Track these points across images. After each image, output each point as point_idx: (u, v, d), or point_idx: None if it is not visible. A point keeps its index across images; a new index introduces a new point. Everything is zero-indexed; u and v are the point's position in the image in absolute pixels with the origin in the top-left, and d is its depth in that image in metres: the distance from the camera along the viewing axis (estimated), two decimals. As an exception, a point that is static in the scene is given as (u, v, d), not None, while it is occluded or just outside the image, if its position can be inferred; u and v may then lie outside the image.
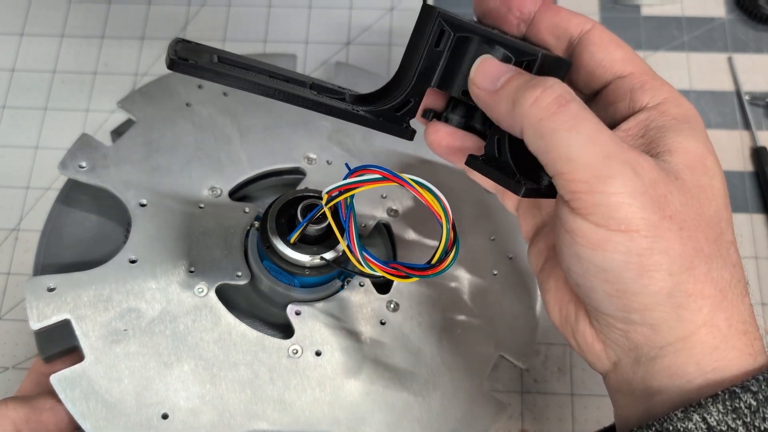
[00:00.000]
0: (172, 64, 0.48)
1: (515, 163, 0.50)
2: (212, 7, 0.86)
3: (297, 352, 0.60)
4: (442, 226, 0.51)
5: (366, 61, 0.84)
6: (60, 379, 0.56)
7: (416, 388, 0.60)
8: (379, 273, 0.54)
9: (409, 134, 0.53)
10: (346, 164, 0.54)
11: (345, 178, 0.53)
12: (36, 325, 0.58)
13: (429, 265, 0.53)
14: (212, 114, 0.69)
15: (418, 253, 0.66)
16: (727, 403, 0.45)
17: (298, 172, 0.68)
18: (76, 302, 0.59)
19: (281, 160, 0.68)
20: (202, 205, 0.64)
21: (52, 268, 0.63)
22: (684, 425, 0.45)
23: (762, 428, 0.44)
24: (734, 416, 0.44)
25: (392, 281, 0.64)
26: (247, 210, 0.65)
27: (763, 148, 0.80)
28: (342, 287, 0.63)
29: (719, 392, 0.45)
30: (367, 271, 0.54)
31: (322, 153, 0.69)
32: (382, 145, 0.70)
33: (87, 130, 0.80)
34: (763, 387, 0.45)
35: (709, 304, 0.46)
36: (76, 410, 0.55)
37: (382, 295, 0.63)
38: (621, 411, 0.51)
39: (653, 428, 0.46)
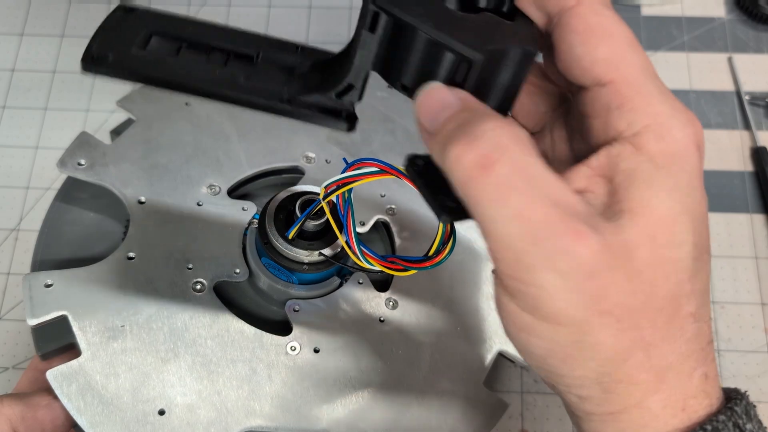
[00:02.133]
0: (84, 65, 0.45)
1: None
2: (212, 7, 0.87)
3: (295, 349, 0.60)
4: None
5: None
6: (56, 374, 0.56)
7: (415, 386, 0.60)
8: (378, 267, 0.54)
9: (345, 125, 0.47)
10: (344, 158, 0.54)
11: (343, 172, 0.53)
12: (33, 321, 0.58)
13: (426, 258, 0.53)
14: (211, 113, 0.69)
15: (417, 252, 0.65)
16: None
17: (297, 171, 0.68)
18: (73, 298, 0.59)
19: (280, 158, 0.68)
20: (200, 203, 0.64)
21: (50, 264, 0.62)
22: None
23: None
24: None
25: (391, 279, 0.64)
26: (245, 208, 0.65)
27: (763, 148, 0.80)
28: (341, 284, 0.63)
29: None
30: (366, 266, 0.54)
31: (320, 152, 0.69)
32: (381, 144, 0.70)
33: (87, 130, 0.79)
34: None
35: (642, 389, 0.42)
36: (72, 406, 0.55)
37: (381, 293, 0.63)
38: None
39: None
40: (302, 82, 0.47)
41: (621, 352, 0.41)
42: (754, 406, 0.46)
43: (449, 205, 0.42)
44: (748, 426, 0.43)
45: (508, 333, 0.43)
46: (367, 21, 0.44)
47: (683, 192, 0.41)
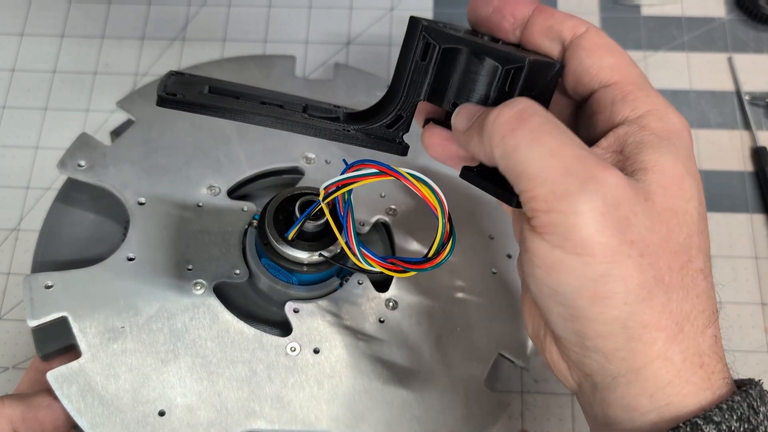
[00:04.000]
0: (160, 101, 0.48)
1: None
2: (212, 7, 0.87)
3: (295, 350, 0.60)
4: (437, 218, 0.51)
5: (366, 62, 0.84)
6: (57, 375, 0.56)
7: (415, 386, 0.60)
8: (377, 268, 0.54)
9: (401, 150, 0.53)
10: (344, 159, 0.54)
11: (342, 173, 0.53)
12: (33, 322, 0.58)
13: (426, 259, 0.53)
14: (211, 114, 0.69)
15: (417, 253, 0.66)
16: (726, 409, 0.44)
17: (297, 172, 0.68)
18: (73, 299, 0.59)
19: (280, 159, 0.68)
20: (200, 204, 0.64)
21: (50, 265, 0.63)
22: None
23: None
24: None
25: (391, 279, 0.64)
26: (245, 208, 0.65)
27: (763, 148, 0.80)
28: (340, 285, 0.63)
29: (680, 425, 0.43)
30: (365, 266, 0.54)
31: (320, 152, 0.69)
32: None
33: (87, 130, 0.79)
34: (726, 417, 0.44)
35: (663, 337, 0.44)
36: (72, 407, 0.55)
37: (380, 294, 0.63)
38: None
39: None
40: (350, 121, 0.53)
41: (645, 287, 0.43)
42: None
43: (515, 195, 0.46)
44: (762, 408, 0.45)
45: (537, 280, 0.45)
46: (420, 52, 0.50)
47: (685, 159, 0.47)
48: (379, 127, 0.52)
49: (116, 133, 0.70)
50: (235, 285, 0.63)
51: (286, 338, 0.60)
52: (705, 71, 0.85)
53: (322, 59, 0.84)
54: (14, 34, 0.85)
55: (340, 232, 0.55)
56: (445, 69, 0.50)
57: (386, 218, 0.66)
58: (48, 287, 0.59)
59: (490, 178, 0.49)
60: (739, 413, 0.44)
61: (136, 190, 0.64)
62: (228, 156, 0.67)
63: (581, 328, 0.45)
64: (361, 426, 0.58)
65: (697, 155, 0.80)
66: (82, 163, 0.65)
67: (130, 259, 0.61)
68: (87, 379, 0.56)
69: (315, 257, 0.60)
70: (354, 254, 0.54)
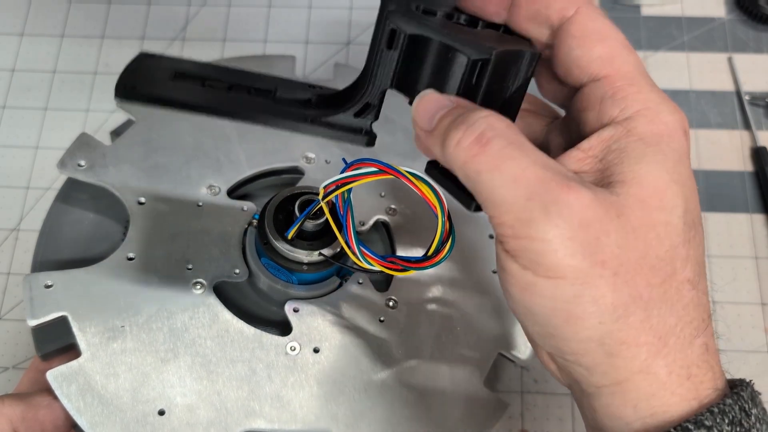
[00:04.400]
0: (117, 93, 0.49)
1: None
2: (212, 7, 0.87)
3: (295, 349, 0.60)
4: (437, 217, 0.51)
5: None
6: (56, 375, 0.56)
7: (415, 386, 0.60)
8: (377, 267, 0.54)
9: (365, 141, 0.52)
10: (343, 159, 0.54)
11: (342, 172, 0.53)
12: (33, 321, 0.58)
13: (426, 257, 0.53)
14: (211, 114, 0.69)
15: (417, 251, 0.66)
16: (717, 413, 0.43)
17: (297, 172, 0.68)
18: (73, 299, 0.59)
19: (280, 159, 0.68)
20: (200, 204, 0.64)
21: (50, 265, 0.63)
22: None
23: None
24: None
25: (391, 279, 0.64)
26: (245, 208, 0.65)
27: (763, 148, 0.80)
28: (340, 284, 0.63)
29: (671, 430, 0.43)
30: (365, 266, 0.54)
31: (320, 152, 0.69)
32: (380, 145, 0.70)
33: (87, 130, 0.79)
34: (717, 420, 0.43)
35: (645, 352, 0.43)
36: (72, 406, 0.55)
37: (380, 293, 0.63)
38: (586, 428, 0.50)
39: None
40: (321, 106, 0.51)
41: (620, 306, 0.42)
42: (759, 393, 0.46)
43: (474, 198, 0.45)
44: (754, 411, 0.44)
45: (512, 298, 0.45)
46: (385, 39, 0.47)
47: (672, 166, 0.44)
48: (346, 116, 0.50)
49: (116, 133, 0.70)
50: (235, 284, 0.63)
51: (285, 337, 0.60)
52: (705, 71, 0.85)
53: (322, 59, 0.84)
54: (14, 34, 0.85)
55: (340, 232, 0.55)
56: (415, 57, 0.48)
57: (386, 217, 0.66)
58: (48, 287, 0.59)
59: (453, 179, 0.48)
60: (731, 416, 0.43)
61: (136, 189, 0.64)
62: (228, 156, 0.67)
63: (558, 345, 0.45)
64: (360, 425, 0.58)
65: (697, 155, 0.80)
66: (82, 162, 0.65)
67: (130, 259, 0.61)
68: (87, 379, 0.56)
69: (315, 256, 0.60)
70: (354, 253, 0.54)
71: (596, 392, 0.45)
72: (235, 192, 0.67)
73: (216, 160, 0.67)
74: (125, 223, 0.63)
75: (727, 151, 0.81)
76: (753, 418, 0.44)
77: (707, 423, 0.43)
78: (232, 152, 0.67)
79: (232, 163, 0.67)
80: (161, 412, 0.56)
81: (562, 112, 0.53)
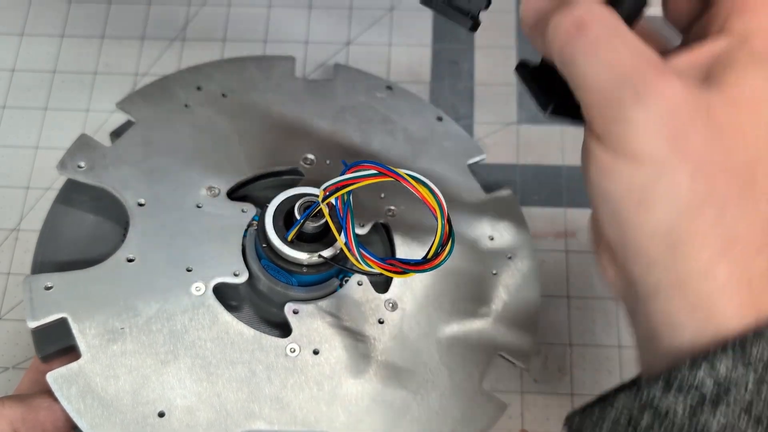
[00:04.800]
0: None
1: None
2: (212, 7, 0.87)
3: (294, 351, 0.60)
4: (436, 219, 0.51)
5: (366, 62, 0.84)
6: (56, 377, 0.56)
7: (415, 387, 0.60)
8: (376, 269, 0.54)
9: (470, 25, 0.55)
10: (343, 161, 0.54)
11: (341, 174, 0.53)
12: (33, 323, 0.58)
13: (425, 260, 0.53)
14: (211, 115, 0.69)
15: (417, 254, 0.66)
16: (738, 352, 0.41)
17: (297, 173, 0.68)
18: (73, 300, 0.59)
19: (279, 160, 0.68)
20: (200, 205, 0.64)
21: (50, 266, 0.63)
22: (696, 377, 0.42)
23: None
24: (744, 365, 0.41)
25: (391, 280, 0.64)
26: (245, 209, 0.65)
27: (764, 148, 0.79)
28: (340, 286, 0.63)
29: (727, 341, 0.41)
30: (365, 268, 0.54)
31: (320, 153, 0.69)
32: (380, 145, 0.70)
33: (87, 130, 0.80)
34: None
35: (709, 252, 0.42)
36: (72, 408, 0.55)
37: (380, 294, 0.63)
38: (636, 344, 0.48)
39: (660, 379, 0.43)
40: None
41: (695, 199, 0.42)
42: None
43: (552, 101, 0.48)
44: None
45: (590, 181, 0.45)
46: None
47: None
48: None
49: (116, 134, 0.70)
50: (235, 286, 0.63)
51: (285, 339, 0.60)
52: (705, 71, 0.85)
53: (322, 59, 0.84)
54: (14, 34, 0.85)
55: (340, 233, 0.55)
56: None
57: (386, 219, 0.66)
58: (48, 288, 0.59)
59: (538, 80, 0.49)
60: None
61: (136, 191, 0.64)
62: (227, 157, 0.67)
63: (625, 232, 0.44)
64: (360, 427, 0.58)
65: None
66: (82, 164, 0.65)
67: (130, 260, 0.61)
68: (87, 380, 0.56)
69: (314, 258, 0.60)
70: (353, 255, 0.54)
71: (653, 294, 0.44)
72: (235, 193, 0.67)
73: (216, 161, 0.67)
74: (125, 224, 0.63)
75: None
76: None
77: (765, 333, 0.41)
78: (231, 153, 0.67)
79: (232, 165, 0.67)
80: (161, 414, 0.56)
81: (675, 43, 0.51)
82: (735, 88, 0.43)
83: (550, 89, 0.48)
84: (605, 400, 0.45)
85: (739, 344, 0.41)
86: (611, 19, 0.43)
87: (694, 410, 0.41)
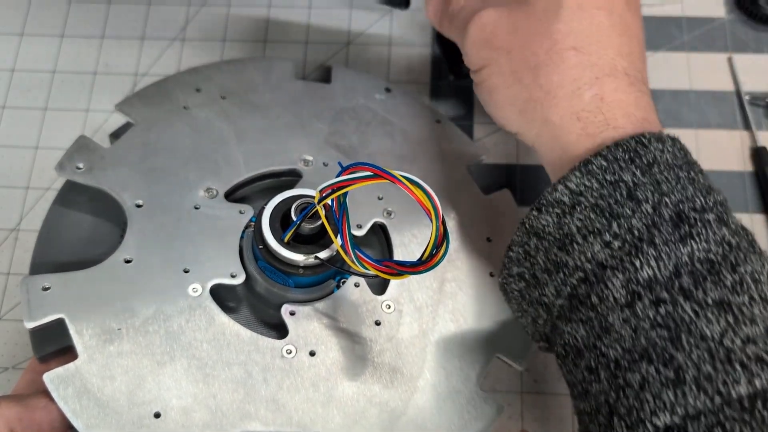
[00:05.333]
0: None
1: None
2: (212, 7, 0.87)
3: (291, 352, 0.60)
4: (431, 221, 0.51)
5: (366, 62, 0.84)
6: (53, 377, 0.56)
7: (411, 389, 0.60)
8: (372, 271, 0.54)
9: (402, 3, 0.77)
10: (339, 162, 0.54)
11: (337, 176, 0.53)
12: (30, 324, 0.58)
13: (420, 262, 0.53)
14: (209, 117, 0.69)
15: (415, 255, 0.66)
16: (583, 169, 0.54)
17: (295, 174, 0.68)
18: (70, 301, 0.59)
19: (277, 161, 0.68)
20: (197, 206, 0.64)
21: (48, 267, 0.63)
22: (554, 196, 0.55)
23: (611, 180, 0.53)
24: (589, 177, 0.54)
25: (389, 282, 0.64)
26: (242, 211, 0.65)
27: (763, 148, 0.80)
28: (337, 287, 0.63)
29: (576, 164, 0.55)
30: (360, 269, 0.54)
31: (318, 155, 0.69)
32: (378, 147, 0.70)
33: (87, 130, 0.80)
34: (612, 149, 0.54)
35: (540, 105, 0.58)
36: (68, 408, 0.56)
37: (377, 296, 0.63)
38: None
39: (535, 207, 0.56)
40: None
41: (516, 71, 0.60)
42: (667, 150, 0.56)
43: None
44: (656, 146, 0.55)
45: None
46: None
47: None
48: None
49: (115, 136, 0.70)
50: (232, 287, 0.63)
51: (282, 341, 0.60)
52: (705, 71, 0.85)
53: (321, 59, 0.84)
54: (14, 34, 0.85)
55: (336, 235, 0.55)
56: None
57: (383, 220, 0.66)
58: (45, 289, 0.59)
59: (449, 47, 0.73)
60: (624, 146, 0.54)
61: (134, 192, 0.64)
62: (226, 158, 0.67)
63: (493, 115, 0.64)
64: (355, 429, 0.58)
65: (696, 155, 0.79)
66: (81, 165, 0.65)
67: (128, 261, 0.61)
68: (83, 381, 0.57)
69: (311, 260, 0.60)
70: (349, 257, 0.54)
71: (534, 147, 0.61)
72: (232, 195, 0.67)
73: (214, 162, 0.67)
74: (123, 225, 0.64)
75: (727, 151, 0.81)
76: (653, 150, 0.54)
77: (603, 153, 0.54)
78: (230, 155, 0.67)
79: (230, 166, 0.67)
80: (157, 415, 0.56)
81: None
82: (528, 7, 0.60)
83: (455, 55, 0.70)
84: (510, 249, 0.59)
85: (583, 163, 0.55)
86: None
87: (559, 219, 0.55)
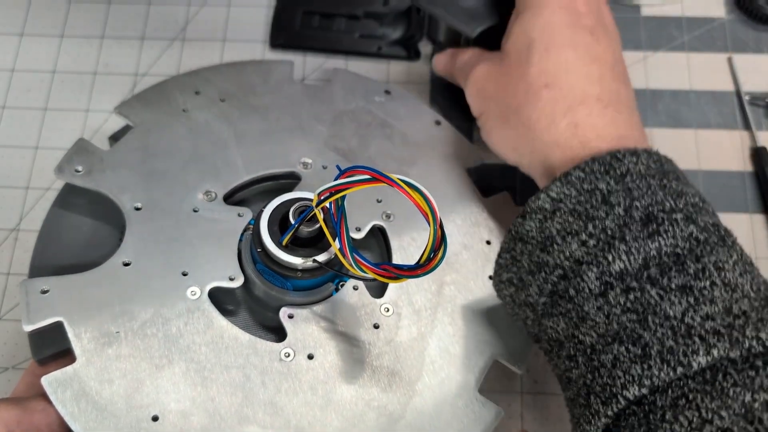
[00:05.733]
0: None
1: None
2: (212, 7, 0.87)
3: (289, 356, 0.60)
4: (429, 224, 0.51)
5: (366, 63, 0.84)
6: (51, 380, 0.56)
7: (409, 393, 0.60)
8: (370, 275, 0.54)
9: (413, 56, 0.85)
10: (337, 165, 0.54)
11: (335, 180, 0.53)
12: (29, 327, 0.58)
13: (418, 265, 0.53)
14: (208, 119, 0.69)
15: (414, 258, 0.65)
16: (563, 179, 0.59)
17: (294, 177, 0.68)
18: (69, 304, 0.59)
19: (277, 164, 0.68)
20: (196, 209, 0.64)
21: (47, 270, 0.63)
22: (537, 203, 0.59)
23: (588, 188, 0.58)
24: (568, 186, 0.58)
25: (387, 285, 0.64)
26: (241, 214, 0.65)
27: (763, 148, 0.80)
28: (336, 290, 0.63)
29: (557, 174, 0.60)
30: (358, 273, 0.54)
31: (317, 157, 0.69)
32: (378, 150, 0.70)
33: (87, 130, 0.80)
34: (589, 163, 0.59)
35: (525, 140, 0.65)
36: (66, 411, 0.56)
37: (376, 299, 0.63)
38: None
39: (520, 214, 0.60)
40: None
41: (503, 115, 0.67)
42: (643, 164, 0.59)
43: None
44: (630, 159, 0.59)
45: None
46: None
47: (520, 19, 0.68)
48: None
49: (115, 138, 0.70)
50: (231, 290, 0.63)
51: (280, 344, 0.60)
52: (705, 71, 0.85)
53: (321, 60, 0.84)
54: (14, 34, 0.85)
55: (334, 239, 0.55)
56: None
57: (382, 223, 0.66)
58: (44, 292, 0.59)
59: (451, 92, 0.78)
60: (600, 160, 0.59)
61: (133, 195, 0.64)
62: (225, 161, 0.67)
63: (499, 151, 0.69)
64: (354, 432, 0.59)
65: (696, 155, 0.80)
66: (80, 168, 0.65)
67: (126, 264, 0.61)
68: (81, 384, 0.57)
69: (309, 263, 0.60)
70: (347, 260, 0.54)
71: (529, 174, 0.67)
72: (231, 197, 0.67)
73: (213, 165, 0.67)
74: (122, 228, 0.64)
75: (726, 151, 0.81)
76: (627, 163, 0.59)
77: (581, 165, 0.59)
78: (229, 157, 0.68)
79: (229, 169, 0.67)
80: (155, 418, 0.56)
81: None
82: (508, 42, 0.68)
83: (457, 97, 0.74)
84: (499, 255, 0.62)
85: (563, 175, 0.59)
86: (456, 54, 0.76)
87: (541, 224, 0.59)
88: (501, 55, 0.68)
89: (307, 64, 0.84)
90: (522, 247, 0.60)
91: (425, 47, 0.85)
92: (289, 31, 0.84)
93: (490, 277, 0.66)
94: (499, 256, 0.62)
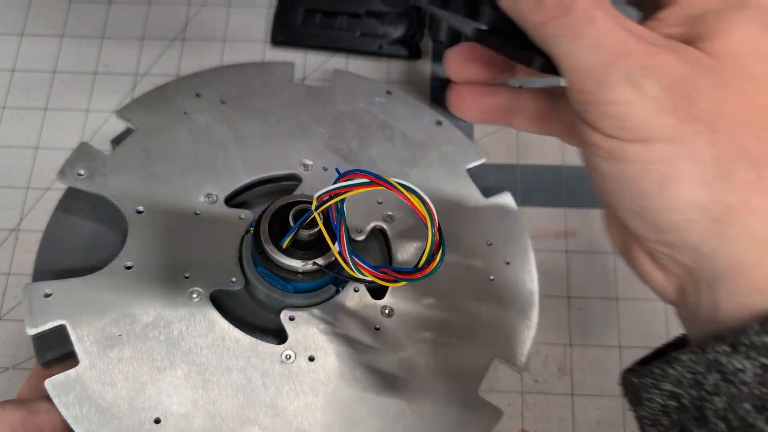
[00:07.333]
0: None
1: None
2: (212, 7, 0.87)
3: (290, 358, 0.60)
4: (427, 228, 0.51)
5: (366, 64, 0.84)
6: (54, 383, 0.57)
7: (410, 394, 0.61)
8: (369, 277, 0.54)
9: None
10: (336, 169, 0.54)
11: (334, 183, 0.53)
12: (32, 330, 0.58)
13: (416, 269, 0.53)
14: (209, 122, 0.70)
15: (415, 260, 0.66)
16: None
17: (295, 179, 0.68)
18: (71, 308, 0.59)
19: (277, 166, 0.68)
20: (197, 212, 0.65)
21: (50, 274, 0.63)
22: (760, 341, 0.38)
23: None
24: None
25: (387, 287, 0.64)
26: (242, 216, 0.65)
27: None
28: (336, 292, 0.64)
29: None
30: (358, 275, 0.54)
31: (318, 159, 0.69)
32: (379, 151, 0.70)
33: (87, 130, 0.80)
34: None
35: (760, 219, 0.39)
36: (69, 414, 0.56)
37: (376, 301, 0.64)
38: (683, 311, 0.45)
39: (728, 340, 0.39)
40: None
41: (723, 162, 0.39)
42: None
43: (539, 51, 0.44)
44: None
45: (599, 172, 0.43)
46: None
47: (758, 23, 0.42)
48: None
49: (116, 142, 0.70)
50: (232, 293, 0.63)
51: (281, 346, 0.61)
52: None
53: (322, 60, 0.84)
54: (14, 34, 0.85)
55: (334, 242, 0.55)
56: None
57: (383, 225, 0.67)
58: (47, 296, 0.59)
59: (510, 39, 0.47)
60: None
61: (135, 198, 0.65)
62: (226, 163, 0.67)
63: (655, 220, 0.41)
64: (355, 434, 0.59)
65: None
66: (82, 172, 0.65)
67: (128, 268, 0.62)
68: (84, 387, 0.57)
69: (309, 266, 0.60)
70: (346, 264, 0.54)
71: (716, 279, 0.41)
72: (233, 200, 0.67)
73: (214, 168, 0.67)
74: (124, 232, 0.64)
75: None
76: None
77: None
78: (230, 160, 0.68)
79: (230, 171, 0.67)
80: (157, 421, 0.57)
81: None
82: (723, 38, 0.41)
83: (527, 45, 0.45)
84: (663, 359, 0.43)
85: None
86: None
87: (764, 371, 0.38)
88: (702, 52, 0.41)
89: (307, 63, 0.84)
90: (720, 381, 0.40)
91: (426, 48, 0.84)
92: (290, 28, 0.83)
93: (491, 279, 0.66)
94: (656, 366, 0.43)
